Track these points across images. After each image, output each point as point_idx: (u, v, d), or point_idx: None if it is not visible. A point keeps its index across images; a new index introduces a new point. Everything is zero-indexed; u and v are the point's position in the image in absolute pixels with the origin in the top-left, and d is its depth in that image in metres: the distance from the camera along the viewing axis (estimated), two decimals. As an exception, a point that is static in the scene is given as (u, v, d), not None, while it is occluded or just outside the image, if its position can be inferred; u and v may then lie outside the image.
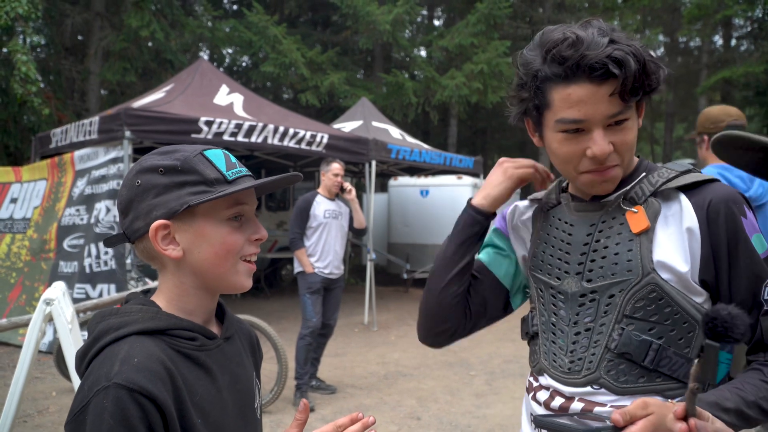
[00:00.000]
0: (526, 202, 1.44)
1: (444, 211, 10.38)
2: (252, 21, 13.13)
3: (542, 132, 1.23)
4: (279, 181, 1.11)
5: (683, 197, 1.18)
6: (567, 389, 1.21)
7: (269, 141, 6.89)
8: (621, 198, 1.21)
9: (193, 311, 1.03)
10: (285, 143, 7.01)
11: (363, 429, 1.03)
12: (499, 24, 15.40)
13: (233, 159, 1.06)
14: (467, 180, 10.58)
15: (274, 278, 11.02)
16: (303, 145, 7.21)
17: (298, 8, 17.53)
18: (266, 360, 4.59)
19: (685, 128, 21.42)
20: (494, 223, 1.45)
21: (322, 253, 5.03)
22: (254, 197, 1.09)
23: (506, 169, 1.33)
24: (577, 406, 1.19)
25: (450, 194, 10.62)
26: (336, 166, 5.05)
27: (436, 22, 20.60)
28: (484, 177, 12.63)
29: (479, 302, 1.39)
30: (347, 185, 5.16)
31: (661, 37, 17.42)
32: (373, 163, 7.98)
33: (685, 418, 0.91)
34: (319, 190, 5.13)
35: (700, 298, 1.16)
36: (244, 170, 1.06)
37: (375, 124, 9.80)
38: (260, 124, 6.77)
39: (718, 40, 18.12)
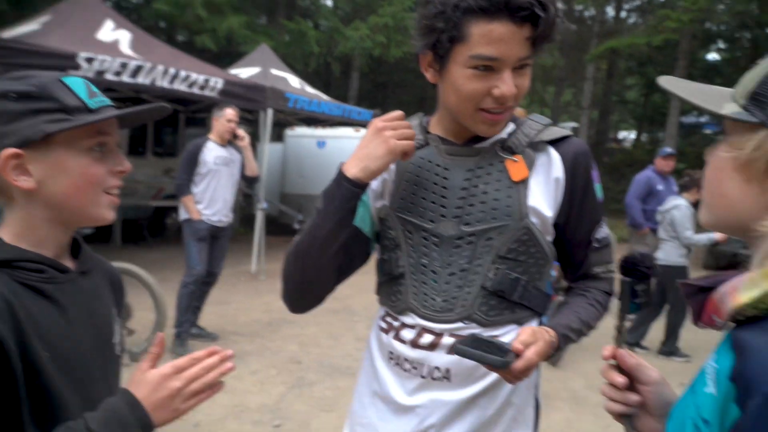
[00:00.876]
0: None
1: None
2: (144, -48, 12.36)
3: (446, 66, 1.19)
4: (144, 112, 1.06)
5: (551, 149, 1.29)
6: (437, 326, 1.27)
7: (158, 83, 6.59)
8: (498, 146, 1.28)
9: (42, 244, 0.98)
10: (175, 86, 6.73)
11: (220, 361, 1.02)
12: (405, -23, 15.33)
13: (95, 88, 1.01)
14: (365, 133, 10.61)
15: (159, 227, 10.70)
16: (195, 90, 6.95)
17: (197, -58, 16.55)
18: (144, 309, 4.55)
19: (573, 93, 22.50)
20: None
21: (210, 200, 4.95)
22: (116, 128, 1.04)
23: (387, 139, 1.19)
24: (446, 340, 1.27)
25: (347, 146, 10.63)
26: (229, 112, 4.93)
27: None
28: None
29: (348, 259, 1.34)
30: (240, 132, 5.06)
31: (559, 4, 18.03)
32: (269, 111, 7.86)
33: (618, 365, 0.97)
34: (211, 135, 4.99)
35: (551, 237, 1.31)
36: (108, 101, 1.02)
37: (274, 71, 9.59)
38: (148, 65, 6.45)
39: (611, 11, 19.03)
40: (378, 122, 1.22)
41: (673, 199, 5.50)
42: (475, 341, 1.13)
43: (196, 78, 6.89)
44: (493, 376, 1.26)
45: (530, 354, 1.10)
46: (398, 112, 1.24)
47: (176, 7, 11.92)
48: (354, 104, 14.45)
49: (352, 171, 1.20)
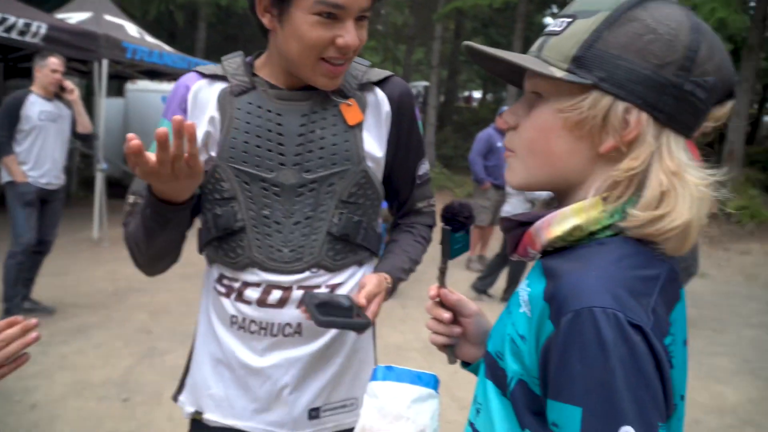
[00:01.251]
0: (203, 80, 1.29)
1: (188, 120, 9.83)
2: None
3: (287, 11, 1.14)
4: None
5: (378, 89, 1.31)
6: (286, 278, 1.25)
7: (-36, 26, 5.75)
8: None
9: None
10: (-13, 31, 5.91)
11: (22, 332, 1.01)
12: None
13: None
14: (213, 88, 10.13)
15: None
16: (14, 35, 6.14)
17: None
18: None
19: (423, 52, 23.06)
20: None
21: (37, 160, 4.47)
22: None
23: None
24: (296, 294, 1.25)
25: (195, 102, 10.10)
26: (53, 61, 4.43)
27: None
28: None
29: (187, 224, 1.28)
30: (68, 84, 4.57)
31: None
32: (105, 62, 7.17)
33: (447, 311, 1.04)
34: (33, 88, 4.48)
35: (381, 175, 1.34)
36: None
37: (108, 18, 8.72)
38: (-50, 5, 5.59)
39: (457, -29, 19.58)
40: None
41: None
42: (320, 305, 1.14)
43: (15, 21, 6.09)
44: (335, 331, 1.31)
45: (374, 307, 1.19)
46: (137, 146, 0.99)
47: (-15, -62, 10.35)
48: (202, 57, 13.68)
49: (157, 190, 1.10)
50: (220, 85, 1.27)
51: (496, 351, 0.82)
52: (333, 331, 1.30)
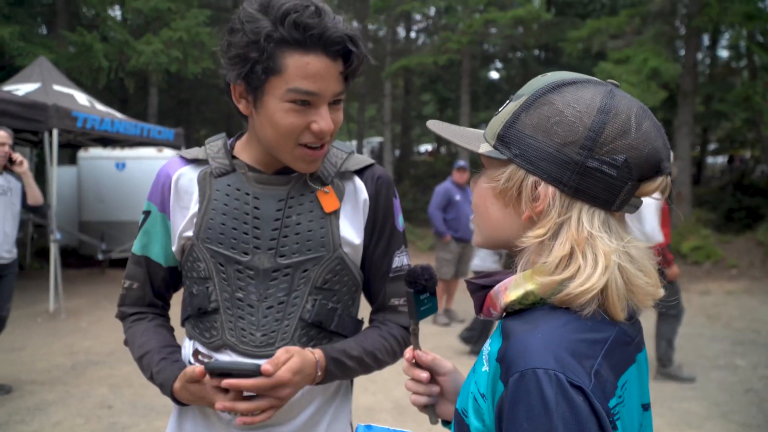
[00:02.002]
0: (184, 166, 1.32)
1: (144, 186, 9.67)
2: None
3: (261, 98, 1.15)
4: None
5: (356, 177, 1.32)
6: (258, 362, 1.22)
7: None
8: (307, 176, 1.26)
9: None
10: (-67, 105, 5.80)
11: None
12: (199, -9, 14.87)
13: None
14: (168, 153, 10.08)
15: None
16: (-40, 109, 6.06)
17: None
18: None
19: (377, 109, 23.56)
20: (156, 205, 1.32)
21: None
22: None
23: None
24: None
25: (150, 167, 9.98)
26: (1, 134, 4.38)
27: (132, -19, 18.98)
28: (187, 148, 12.38)
29: (171, 293, 1.42)
30: (17, 156, 4.49)
31: (354, 23, 18.81)
32: (55, 132, 7.09)
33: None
34: None
35: (359, 262, 1.33)
36: None
37: (57, 87, 8.67)
38: None
39: (402, 31, 20.29)
40: (219, 404, 1.14)
41: None
42: (225, 362, 1.16)
43: (-38, 96, 6.00)
44: (312, 407, 1.29)
45: (281, 372, 1.10)
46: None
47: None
48: (155, 122, 13.66)
49: (178, 395, 1.23)
50: (201, 168, 1.30)
51: (462, 408, 0.86)
52: (305, 414, 1.28)
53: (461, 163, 7.22)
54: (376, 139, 17.94)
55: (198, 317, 1.28)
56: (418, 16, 19.48)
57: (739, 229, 12.10)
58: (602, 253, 0.79)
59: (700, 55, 16.96)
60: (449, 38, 14.05)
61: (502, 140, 0.85)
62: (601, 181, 0.80)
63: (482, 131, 0.93)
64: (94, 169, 10.67)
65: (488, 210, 0.89)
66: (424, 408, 1.05)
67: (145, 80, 15.55)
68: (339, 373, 1.25)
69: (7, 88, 8.17)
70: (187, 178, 1.29)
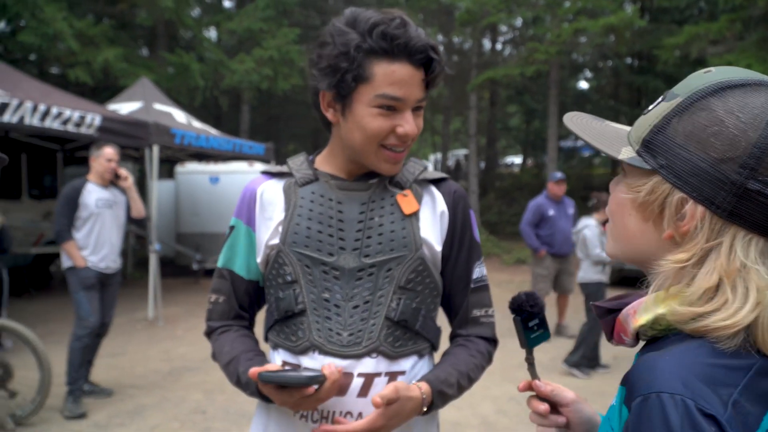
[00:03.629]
0: (268, 180, 1.38)
1: (236, 199, 9.94)
2: (7, -18, 11.47)
3: (349, 105, 1.22)
4: None
5: (433, 187, 1.36)
6: (345, 362, 1.24)
7: (27, 121, 6.08)
8: (387, 181, 1.32)
9: None
10: (47, 124, 6.23)
11: None
12: (289, 11, 15.38)
13: None
14: (259, 167, 10.42)
15: (42, 276, 9.83)
16: (69, 127, 6.47)
17: (66, -26, 15.69)
18: (27, 367, 4.10)
19: (461, 121, 23.43)
20: (242, 219, 1.38)
21: (96, 245, 4.59)
22: None
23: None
24: (357, 382, 1.24)
25: (241, 181, 10.37)
26: (108, 151, 4.62)
27: (227, 4, 19.94)
28: (277, 163, 12.43)
29: (255, 310, 1.45)
30: (122, 172, 4.75)
31: (439, 37, 18.83)
32: (155, 148, 7.48)
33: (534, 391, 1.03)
34: (90, 176, 4.65)
35: (438, 271, 1.34)
36: None
37: (157, 106, 9.18)
38: (15, 101, 5.94)
39: (487, 43, 20.11)
40: (296, 407, 1.20)
41: (584, 219, 5.77)
42: (278, 375, 1.15)
43: (71, 114, 6.43)
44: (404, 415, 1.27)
45: (374, 415, 1.14)
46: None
47: (44, 39, 11.14)
48: (246, 138, 14.18)
49: (264, 391, 1.22)
50: (285, 180, 1.36)
51: None
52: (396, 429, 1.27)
53: (558, 175, 6.98)
54: (461, 152, 17.80)
55: (284, 322, 1.31)
56: (504, 28, 19.25)
57: None
58: (755, 288, 0.68)
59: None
60: (536, 49, 13.76)
61: (648, 147, 0.75)
62: (762, 206, 0.69)
63: (627, 130, 0.83)
64: (190, 183, 11.20)
65: (625, 221, 0.80)
66: None
67: (237, 97, 16.23)
68: (441, 403, 1.26)
69: (112, 107, 8.73)
70: (272, 190, 1.36)
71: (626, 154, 0.78)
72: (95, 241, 4.59)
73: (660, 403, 0.63)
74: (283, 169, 1.38)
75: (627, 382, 0.69)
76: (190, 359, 5.79)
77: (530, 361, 1.01)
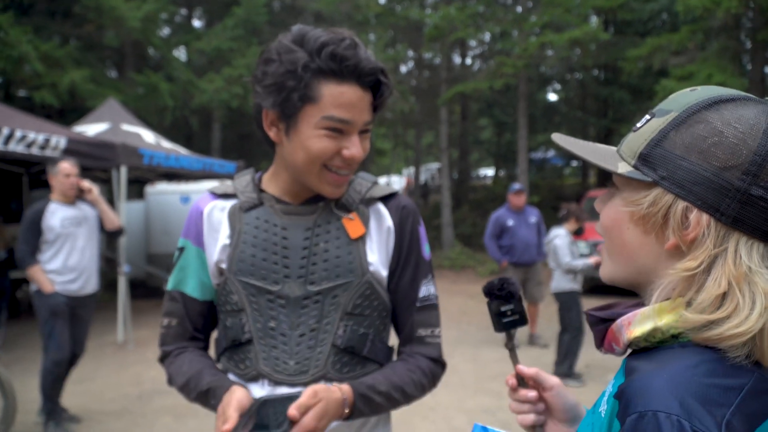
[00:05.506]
0: (214, 200, 1.36)
1: (206, 218, 9.98)
2: (-31, 6, 11.33)
3: (294, 125, 1.19)
4: None
5: (380, 205, 1.34)
6: (294, 390, 1.22)
7: (-10, 144, 5.98)
8: (333, 204, 1.30)
9: None
10: (11, 147, 6.11)
11: None
12: (258, 29, 15.41)
13: None
14: (230, 186, 10.36)
15: (10, 302, 9.59)
16: (34, 150, 6.35)
17: (31, -5, 15.50)
18: (-11, 396, 3.97)
19: (434, 135, 23.59)
20: (191, 240, 1.36)
21: (64, 267, 4.41)
22: None
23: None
24: None
25: (212, 201, 10.29)
26: (65, 166, 4.42)
27: (197, 23, 19.90)
28: None
29: (210, 330, 1.41)
30: (85, 184, 4.54)
31: (409, 53, 19.01)
32: (123, 169, 7.39)
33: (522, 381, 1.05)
34: (53, 196, 4.48)
35: (386, 291, 1.33)
36: None
37: (125, 127, 9.08)
38: (-23, 125, 5.84)
39: (457, 58, 20.34)
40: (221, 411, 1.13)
41: (555, 229, 5.82)
42: (262, 404, 1.11)
43: (35, 137, 6.32)
44: None
45: (307, 420, 1.08)
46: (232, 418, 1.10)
47: (9, 62, 10.97)
48: (218, 156, 14.11)
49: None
50: (231, 202, 1.34)
51: None
52: None
53: (516, 186, 7.15)
54: (434, 165, 17.92)
55: (232, 349, 1.30)
56: (473, 42, 19.50)
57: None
58: (761, 292, 0.71)
59: (769, 68, 16.26)
60: (504, 63, 13.97)
61: (645, 160, 0.78)
62: (764, 210, 0.72)
63: (615, 148, 0.86)
64: (160, 204, 11.08)
65: (623, 237, 0.81)
66: (532, 429, 1.01)
67: (208, 117, 16.15)
68: (366, 409, 1.22)
69: (78, 129, 8.62)
70: (218, 210, 1.34)
71: (623, 168, 0.80)
72: (64, 262, 4.42)
73: (656, 422, 0.64)
74: (229, 190, 1.35)
75: (622, 396, 0.70)
76: (161, 382, 5.66)
77: (510, 347, 1.02)
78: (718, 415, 0.65)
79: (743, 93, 0.77)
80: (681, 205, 0.75)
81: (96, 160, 7.11)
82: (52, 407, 4.27)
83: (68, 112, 13.03)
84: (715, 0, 10.40)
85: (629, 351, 0.80)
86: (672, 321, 0.74)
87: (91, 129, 8.65)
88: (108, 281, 10.86)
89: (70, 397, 4.88)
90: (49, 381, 4.28)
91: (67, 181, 4.44)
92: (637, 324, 0.76)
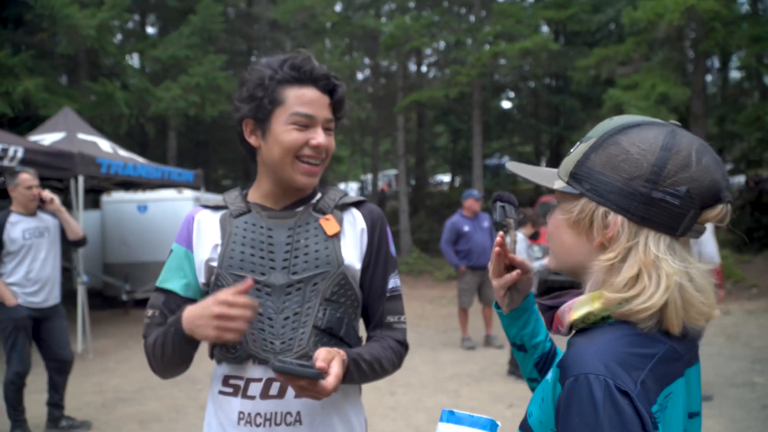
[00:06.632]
0: (206, 210, 1.57)
1: (165, 227, 9.96)
2: None
3: (268, 127, 1.43)
4: None
5: (354, 209, 1.58)
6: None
7: (-56, 156, 5.91)
8: (311, 208, 1.53)
9: None
10: (-33, 158, 6.08)
11: None
12: (214, 37, 15.38)
13: None
14: (188, 194, 10.35)
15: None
16: (-9, 160, 6.32)
17: (-21, 2, 15.11)
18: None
19: (390, 142, 23.86)
20: (182, 243, 1.54)
21: (27, 279, 4.40)
22: None
23: (215, 329, 1.28)
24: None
25: (171, 209, 10.27)
26: (26, 177, 4.40)
27: (150, 30, 19.67)
28: (206, 190, 12.12)
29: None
30: (46, 194, 4.50)
31: (366, 60, 19.21)
32: (81, 178, 7.36)
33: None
34: (13, 207, 4.46)
35: (358, 285, 1.54)
36: None
37: (81, 136, 8.98)
38: (-69, 136, 5.76)
39: (413, 66, 20.67)
40: (216, 307, 1.27)
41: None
42: (285, 361, 1.25)
43: (-8, 147, 6.27)
44: (336, 412, 1.46)
45: (335, 369, 1.28)
46: (243, 300, 1.28)
47: (-40, 72, 10.74)
48: (174, 165, 14.01)
49: (187, 326, 1.35)
50: (221, 212, 1.55)
51: (530, 411, 1.01)
52: (331, 419, 1.45)
53: (475, 193, 7.44)
54: (391, 172, 18.21)
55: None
56: (428, 51, 19.86)
57: (759, 249, 12.01)
58: (665, 275, 0.90)
59: (710, 78, 17.06)
60: (459, 71, 14.32)
61: (575, 177, 0.98)
62: (665, 210, 0.91)
63: (556, 170, 1.07)
64: (117, 213, 10.97)
65: (562, 238, 1.02)
66: (503, 296, 1.23)
67: (164, 124, 16.00)
68: (356, 375, 1.41)
69: (33, 138, 8.50)
70: (208, 218, 1.56)
71: (558, 184, 1.01)
72: (26, 274, 4.42)
73: (587, 382, 0.83)
74: (220, 202, 1.57)
75: (561, 364, 0.89)
76: (124, 390, 5.72)
77: (506, 230, 1.27)
78: (635, 376, 0.84)
79: (650, 118, 0.99)
80: (601, 210, 0.94)
81: (54, 170, 7.07)
82: (16, 417, 4.29)
83: (21, 121, 12.75)
84: (658, 12, 10.96)
85: (574, 332, 0.99)
86: (602, 306, 0.92)
87: (46, 138, 8.54)
88: (65, 291, 10.69)
89: (35, 406, 4.87)
90: (11, 392, 4.30)
91: (29, 192, 4.43)
92: (575, 309, 0.96)
